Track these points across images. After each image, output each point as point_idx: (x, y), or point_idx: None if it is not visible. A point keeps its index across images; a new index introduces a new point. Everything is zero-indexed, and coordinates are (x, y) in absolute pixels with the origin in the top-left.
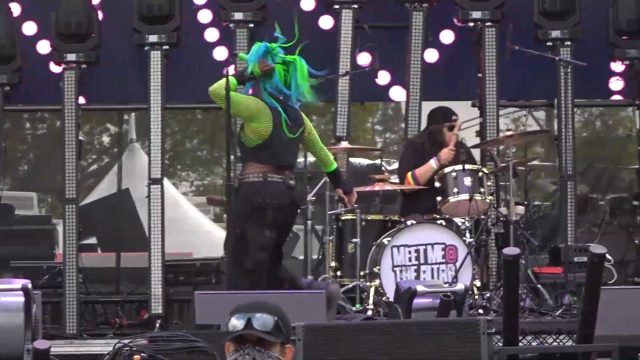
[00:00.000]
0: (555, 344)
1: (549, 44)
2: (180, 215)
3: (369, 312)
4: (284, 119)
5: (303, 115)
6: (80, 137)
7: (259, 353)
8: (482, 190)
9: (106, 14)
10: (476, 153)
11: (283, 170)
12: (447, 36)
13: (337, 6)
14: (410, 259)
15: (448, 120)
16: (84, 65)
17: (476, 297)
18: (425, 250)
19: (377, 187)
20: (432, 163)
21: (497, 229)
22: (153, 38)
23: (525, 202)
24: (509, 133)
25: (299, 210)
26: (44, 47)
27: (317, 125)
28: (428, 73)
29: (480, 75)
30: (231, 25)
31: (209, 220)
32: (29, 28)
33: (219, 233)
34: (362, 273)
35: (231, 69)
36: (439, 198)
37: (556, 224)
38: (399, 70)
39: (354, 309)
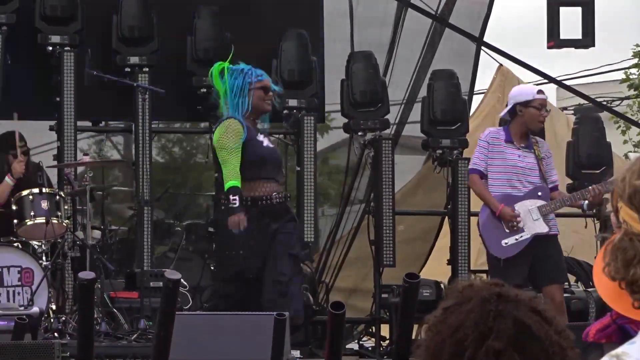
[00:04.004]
0: None
1: (128, 69)
2: None
3: None
4: None
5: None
6: None
7: None
8: (59, 213)
9: None
10: (53, 176)
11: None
12: (30, 58)
13: None
14: None
15: (12, 148)
16: None
17: (52, 320)
18: (1, 273)
19: None
20: (8, 180)
21: (74, 252)
22: None
23: (102, 227)
24: (86, 158)
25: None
26: None
27: None
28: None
29: (58, 99)
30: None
31: None
32: None
33: None
34: None
35: None
36: (15, 221)
37: (133, 248)
38: None
39: None
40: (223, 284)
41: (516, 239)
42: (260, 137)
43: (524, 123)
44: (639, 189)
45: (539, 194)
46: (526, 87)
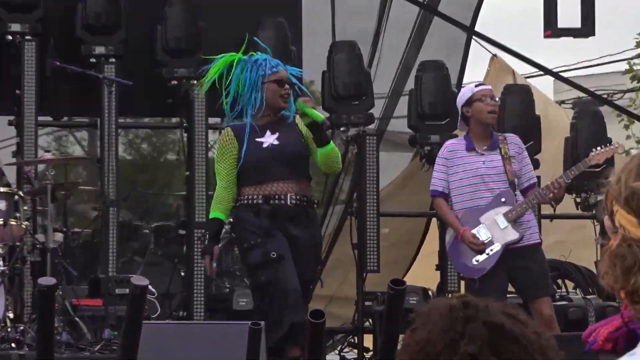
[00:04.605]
0: None
1: (93, 60)
2: None
3: None
4: None
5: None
6: None
7: None
8: (17, 215)
9: None
10: (11, 174)
11: None
12: None
13: None
14: None
15: None
16: None
17: (9, 329)
18: None
19: None
20: None
21: (33, 257)
22: None
23: (64, 229)
24: (48, 155)
25: None
26: None
27: None
28: None
29: (18, 92)
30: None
31: None
32: None
33: None
34: None
35: None
36: None
37: (97, 252)
38: None
39: None
40: (254, 275)
41: (487, 254)
42: (265, 137)
43: (476, 122)
44: (637, 190)
45: (503, 200)
46: (464, 88)
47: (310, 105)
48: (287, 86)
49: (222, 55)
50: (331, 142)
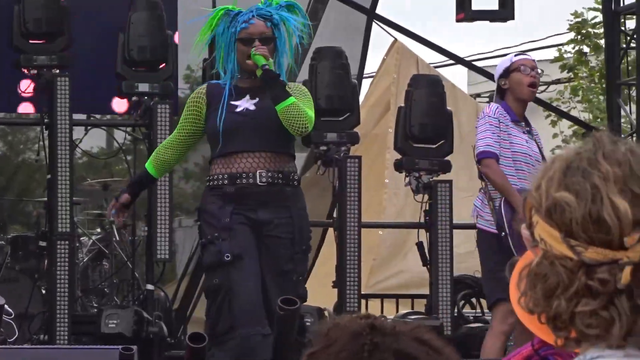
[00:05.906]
0: None
1: None
2: None
3: None
4: None
5: None
6: None
7: None
8: None
9: None
10: None
11: None
12: None
13: None
14: None
15: None
16: None
17: None
18: None
19: None
20: None
21: None
22: None
23: None
24: None
25: None
26: None
27: None
28: None
29: None
30: None
31: None
32: None
33: None
34: None
35: None
36: None
37: None
38: None
39: None
40: (206, 279)
41: None
42: (241, 101)
43: (513, 98)
44: (560, 201)
45: None
46: (503, 59)
47: (261, 53)
48: (257, 43)
49: (215, 9)
50: (291, 98)
